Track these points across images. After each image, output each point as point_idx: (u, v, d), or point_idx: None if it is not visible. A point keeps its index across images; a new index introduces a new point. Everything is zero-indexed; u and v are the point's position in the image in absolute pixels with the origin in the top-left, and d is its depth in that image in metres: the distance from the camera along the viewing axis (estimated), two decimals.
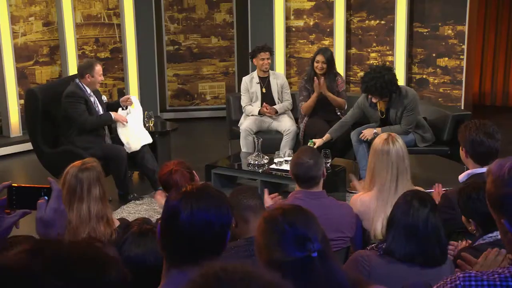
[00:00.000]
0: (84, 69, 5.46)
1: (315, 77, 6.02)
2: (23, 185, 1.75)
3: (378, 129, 5.51)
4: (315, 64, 6.07)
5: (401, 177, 3.22)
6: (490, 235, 2.57)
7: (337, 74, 6.31)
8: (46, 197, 1.70)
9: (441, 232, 2.46)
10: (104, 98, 5.91)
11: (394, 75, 5.50)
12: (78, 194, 2.85)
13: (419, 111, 5.67)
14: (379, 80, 5.32)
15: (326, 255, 1.60)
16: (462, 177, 3.23)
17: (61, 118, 5.54)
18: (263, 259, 1.60)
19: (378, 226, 3.18)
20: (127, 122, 5.54)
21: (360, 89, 5.62)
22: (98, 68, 5.49)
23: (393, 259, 2.40)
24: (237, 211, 2.57)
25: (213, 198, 1.58)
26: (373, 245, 2.60)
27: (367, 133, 5.55)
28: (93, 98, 5.53)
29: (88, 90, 5.48)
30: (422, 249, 2.39)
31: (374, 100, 5.54)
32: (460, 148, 3.25)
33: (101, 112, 5.57)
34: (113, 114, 5.55)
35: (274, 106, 6.34)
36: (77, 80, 5.48)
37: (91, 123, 5.42)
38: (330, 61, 6.09)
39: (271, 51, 6.45)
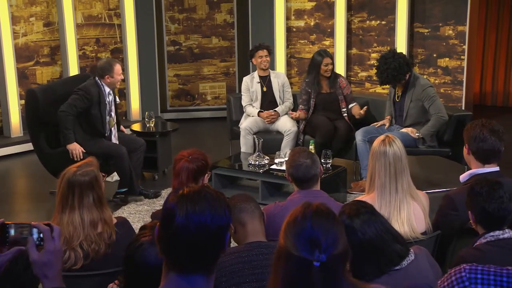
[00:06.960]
0: (104, 71, 5.38)
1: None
2: (16, 222, 1.69)
3: (419, 134, 5.60)
4: (324, 68, 6.08)
5: (400, 177, 3.22)
6: (492, 233, 2.54)
7: (338, 75, 6.34)
8: (35, 236, 1.66)
9: (390, 228, 2.35)
10: (117, 99, 5.84)
11: (399, 58, 5.58)
12: (70, 203, 2.80)
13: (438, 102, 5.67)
14: (389, 71, 5.53)
15: (331, 271, 1.55)
16: (463, 177, 3.22)
17: None
18: (280, 241, 1.59)
19: None
20: (80, 159, 5.06)
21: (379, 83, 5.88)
22: (118, 67, 5.43)
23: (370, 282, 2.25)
24: (233, 215, 2.55)
25: (209, 200, 1.57)
26: None
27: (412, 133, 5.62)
28: (111, 97, 5.49)
29: (107, 89, 5.44)
30: (388, 258, 2.28)
31: (398, 90, 5.73)
32: (465, 146, 3.21)
33: (113, 112, 5.51)
34: (71, 145, 5.25)
35: (275, 109, 6.34)
36: (97, 79, 5.41)
37: (62, 120, 5.23)
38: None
39: (269, 49, 6.41)
